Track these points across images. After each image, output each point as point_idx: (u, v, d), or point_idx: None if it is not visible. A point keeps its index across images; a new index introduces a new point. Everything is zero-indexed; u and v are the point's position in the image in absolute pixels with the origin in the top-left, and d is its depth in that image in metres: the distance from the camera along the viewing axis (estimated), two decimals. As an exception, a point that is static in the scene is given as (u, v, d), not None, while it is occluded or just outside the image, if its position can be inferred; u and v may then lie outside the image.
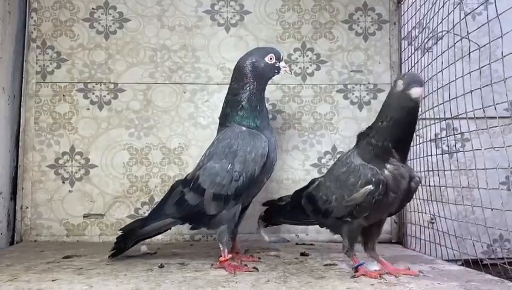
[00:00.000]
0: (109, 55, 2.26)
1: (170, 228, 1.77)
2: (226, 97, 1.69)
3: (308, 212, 1.63)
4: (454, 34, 1.68)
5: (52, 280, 1.37)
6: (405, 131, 1.41)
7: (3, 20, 2.05)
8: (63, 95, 2.23)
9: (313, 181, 1.68)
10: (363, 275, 1.41)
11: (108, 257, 1.70)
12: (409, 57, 2.20)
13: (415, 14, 2.13)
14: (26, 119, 2.21)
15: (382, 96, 2.26)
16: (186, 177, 1.69)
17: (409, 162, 2.14)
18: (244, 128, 1.58)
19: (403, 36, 2.28)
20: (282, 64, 1.65)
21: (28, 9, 2.25)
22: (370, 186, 1.38)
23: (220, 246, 1.57)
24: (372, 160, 1.42)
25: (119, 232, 1.74)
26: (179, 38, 2.29)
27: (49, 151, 2.21)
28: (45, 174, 2.19)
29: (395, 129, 1.40)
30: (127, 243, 1.70)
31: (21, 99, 2.22)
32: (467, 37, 1.63)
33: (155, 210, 1.71)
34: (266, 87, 1.68)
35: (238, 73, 1.63)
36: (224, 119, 1.66)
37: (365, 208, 1.41)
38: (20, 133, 2.20)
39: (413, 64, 2.15)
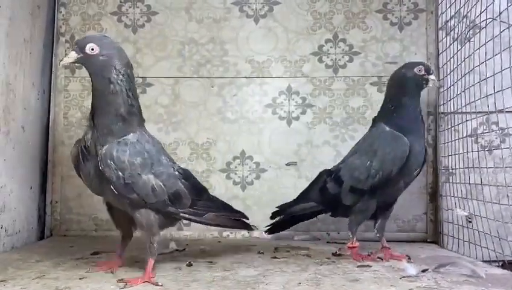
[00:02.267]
0: (137, 49, 2.24)
1: (315, 215, 1.93)
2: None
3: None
4: (501, 21, 1.56)
5: (80, 278, 1.35)
6: None
7: (32, 15, 2.05)
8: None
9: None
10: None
11: (265, 231, 1.98)
12: (446, 48, 2.10)
13: (454, 2, 2.03)
14: (55, 113, 2.21)
15: (418, 89, 2.17)
16: (331, 168, 1.85)
17: (447, 158, 2.06)
18: (387, 128, 1.67)
19: (440, 26, 2.16)
20: (431, 76, 1.71)
21: (57, 3, 2.25)
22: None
23: (349, 234, 1.72)
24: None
25: (276, 208, 1.92)
26: (207, 31, 2.24)
27: (78, 146, 2.20)
28: (74, 169, 2.18)
29: None
30: (281, 220, 1.94)
31: (50, 93, 2.22)
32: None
33: (303, 192, 1.88)
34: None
35: (390, 81, 1.78)
36: (375, 119, 1.79)
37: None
38: (50, 128, 2.20)
39: (451, 56, 2.04)
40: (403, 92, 1.69)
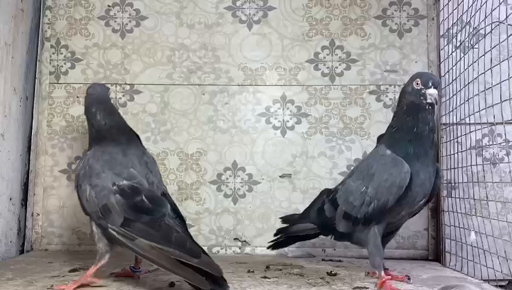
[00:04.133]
0: (125, 55, 2.14)
1: (314, 236, 1.79)
2: None
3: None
4: (508, 25, 1.47)
5: (50, 300, 1.24)
6: None
7: (15, 18, 1.96)
8: (77, 97, 2.12)
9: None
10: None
11: (267, 247, 1.89)
12: (448, 56, 2.01)
13: (456, 9, 1.94)
14: (38, 121, 2.11)
15: (418, 99, 2.08)
16: (331, 188, 1.71)
17: (449, 171, 1.96)
18: (389, 152, 1.46)
19: (441, 33, 2.08)
20: (429, 91, 1.40)
21: (42, 7, 2.16)
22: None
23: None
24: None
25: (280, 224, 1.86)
26: (198, 37, 2.15)
27: (62, 155, 2.10)
28: (57, 180, 2.09)
29: None
30: (283, 239, 1.85)
31: (33, 100, 2.12)
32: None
33: (304, 211, 1.77)
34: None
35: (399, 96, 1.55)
36: (379, 139, 1.61)
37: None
38: (32, 136, 2.10)
39: (453, 64, 1.95)
40: (403, 110, 1.46)
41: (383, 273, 1.43)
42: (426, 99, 1.40)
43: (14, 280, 1.47)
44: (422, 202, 1.47)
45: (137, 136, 1.60)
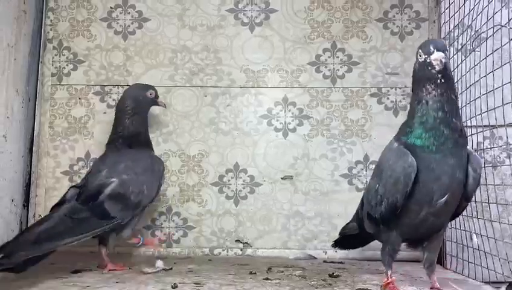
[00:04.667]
0: (127, 56, 2.15)
1: (367, 241, 1.73)
2: None
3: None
4: (509, 28, 1.48)
5: (53, 302, 1.24)
6: None
7: (17, 20, 1.96)
8: (79, 98, 2.13)
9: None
10: None
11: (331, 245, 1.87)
12: (449, 59, 2.00)
13: (457, 12, 1.95)
14: (40, 123, 2.11)
15: (420, 101, 2.09)
16: None
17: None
18: (396, 144, 1.31)
19: (443, 36, 2.08)
20: (433, 56, 1.21)
21: (45, 8, 2.16)
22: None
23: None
24: None
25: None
26: (201, 39, 2.16)
27: (64, 157, 2.10)
28: (59, 181, 2.09)
29: None
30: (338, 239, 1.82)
31: (36, 102, 2.12)
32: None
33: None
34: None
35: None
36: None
37: None
38: (35, 138, 2.10)
39: (454, 67, 1.95)
40: (414, 89, 1.27)
41: (390, 272, 1.37)
42: (434, 68, 1.20)
43: (16, 281, 1.47)
44: (443, 200, 1.25)
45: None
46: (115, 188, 1.60)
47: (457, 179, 1.25)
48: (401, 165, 1.24)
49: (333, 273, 1.63)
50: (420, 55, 1.24)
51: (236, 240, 2.07)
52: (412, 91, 1.32)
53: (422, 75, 1.23)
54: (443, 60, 1.19)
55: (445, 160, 1.22)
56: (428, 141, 1.22)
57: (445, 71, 1.21)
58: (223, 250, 2.06)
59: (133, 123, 1.79)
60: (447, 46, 1.29)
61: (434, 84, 1.21)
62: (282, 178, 2.09)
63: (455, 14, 1.96)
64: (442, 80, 1.21)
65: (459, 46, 1.94)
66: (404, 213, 1.28)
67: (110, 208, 1.56)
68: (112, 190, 1.59)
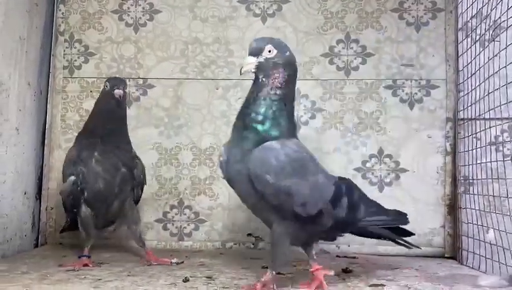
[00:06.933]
0: (138, 49, 2.14)
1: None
2: None
3: None
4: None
5: (64, 294, 1.24)
6: None
7: (29, 12, 1.96)
8: (90, 91, 2.12)
9: None
10: None
11: None
12: (467, 50, 1.96)
13: (475, 1, 1.90)
14: (52, 116, 2.11)
15: (436, 93, 2.05)
16: None
17: (466, 167, 1.92)
18: None
19: (460, 26, 2.03)
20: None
21: (56, 1, 2.15)
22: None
23: None
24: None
25: None
26: (212, 31, 2.13)
27: (76, 149, 2.10)
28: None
29: None
30: None
31: (47, 94, 2.12)
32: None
33: None
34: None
35: None
36: None
37: None
38: (46, 131, 2.11)
39: (472, 58, 1.91)
40: None
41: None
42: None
43: (29, 273, 1.47)
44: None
45: None
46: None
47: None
48: None
49: (347, 268, 1.61)
50: None
51: (248, 234, 2.05)
52: None
53: None
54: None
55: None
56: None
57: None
58: (235, 244, 2.05)
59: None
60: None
61: None
62: None
63: (473, 4, 1.91)
64: None
65: (477, 37, 1.89)
66: None
67: None
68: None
